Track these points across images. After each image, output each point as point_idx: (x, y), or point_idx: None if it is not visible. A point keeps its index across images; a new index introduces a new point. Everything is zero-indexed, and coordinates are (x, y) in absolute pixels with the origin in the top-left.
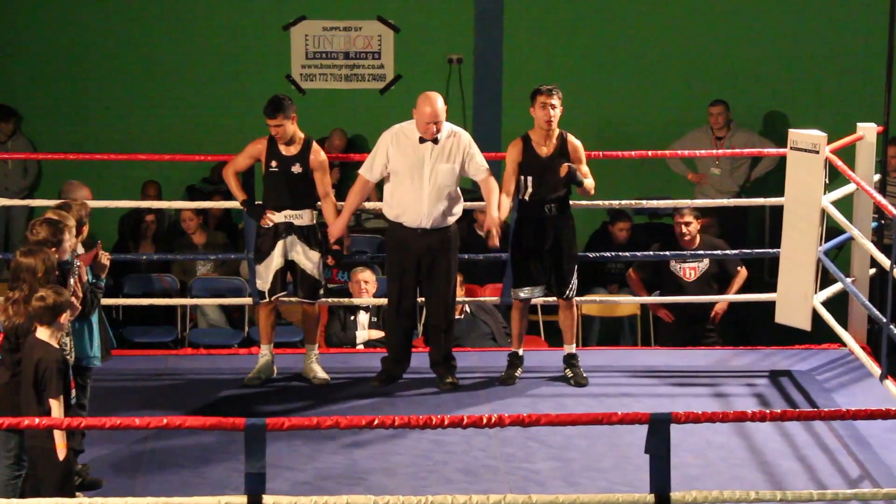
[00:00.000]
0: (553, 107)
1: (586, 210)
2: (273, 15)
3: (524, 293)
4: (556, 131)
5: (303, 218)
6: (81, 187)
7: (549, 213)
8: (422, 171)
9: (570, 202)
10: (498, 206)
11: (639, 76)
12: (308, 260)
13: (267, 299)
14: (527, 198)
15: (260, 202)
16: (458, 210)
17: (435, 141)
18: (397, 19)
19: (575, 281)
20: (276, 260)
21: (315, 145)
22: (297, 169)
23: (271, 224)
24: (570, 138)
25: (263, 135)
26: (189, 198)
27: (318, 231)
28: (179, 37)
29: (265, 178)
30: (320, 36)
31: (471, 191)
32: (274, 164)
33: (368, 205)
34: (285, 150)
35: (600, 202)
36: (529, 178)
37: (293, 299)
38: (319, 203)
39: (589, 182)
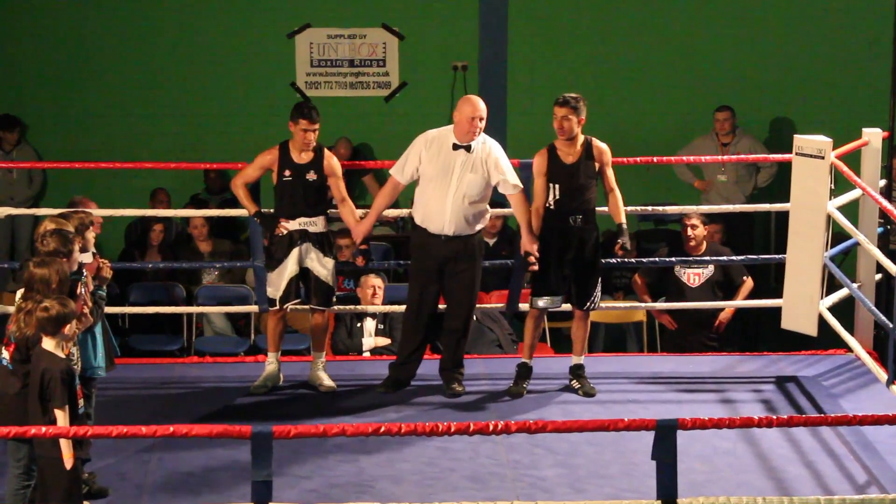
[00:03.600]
0: (566, 120)
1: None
2: (278, 23)
3: (543, 303)
4: (581, 138)
5: (317, 225)
6: (87, 202)
7: (574, 223)
8: (450, 178)
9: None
10: (530, 228)
11: (644, 82)
12: (322, 267)
13: (278, 307)
14: (553, 206)
15: (270, 210)
16: (483, 220)
17: (468, 148)
18: (402, 27)
19: (598, 294)
20: (290, 267)
21: (327, 151)
22: (311, 176)
23: (286, 232)
24: (596, 142)
25: (269, 142)
26: (194, 207)
27: (331, 238)
28: (184, 45)
29: (278, 188)
30: (325, 44)
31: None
32: (288, 172)
33: None
34: (299, 159)
35: (605, 208)
36: (557, 186)
37: (305, 307)
38: (334, 210)
39: (620, 210)
